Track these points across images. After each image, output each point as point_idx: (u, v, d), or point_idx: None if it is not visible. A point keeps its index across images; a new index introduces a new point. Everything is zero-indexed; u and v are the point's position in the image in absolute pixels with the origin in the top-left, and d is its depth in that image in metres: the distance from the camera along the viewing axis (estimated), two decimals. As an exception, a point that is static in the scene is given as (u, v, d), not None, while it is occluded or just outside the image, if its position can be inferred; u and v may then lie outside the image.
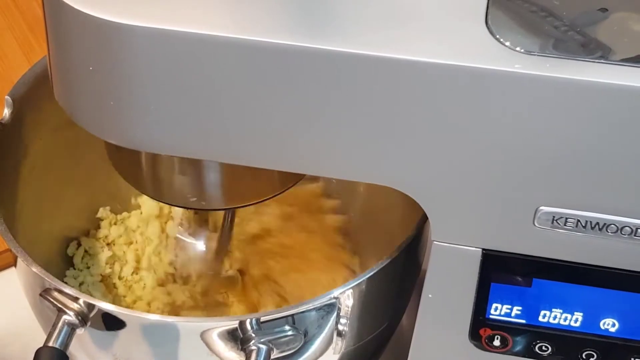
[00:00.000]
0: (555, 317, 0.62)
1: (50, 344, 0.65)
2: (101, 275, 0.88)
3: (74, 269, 0.88)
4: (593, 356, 0.63)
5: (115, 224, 0.91)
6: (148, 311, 0.85)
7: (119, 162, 0.68)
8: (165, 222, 0.90)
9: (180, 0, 0.54)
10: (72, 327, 0.66)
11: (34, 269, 0.68)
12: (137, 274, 0.88)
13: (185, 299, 0.86)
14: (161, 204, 0.89)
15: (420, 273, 0.75)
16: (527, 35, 0.53)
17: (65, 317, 0.66)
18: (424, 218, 0.69)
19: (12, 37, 1.12)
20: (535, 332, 0.63)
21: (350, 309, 0.67)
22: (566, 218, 0.56)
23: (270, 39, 0.52)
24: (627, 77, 0.51)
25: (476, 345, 0.64)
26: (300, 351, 0.68)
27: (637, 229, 0.56)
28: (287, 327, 0.66)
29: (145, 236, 0.90)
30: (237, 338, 0.66)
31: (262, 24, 0.53)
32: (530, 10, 0.55)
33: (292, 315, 0.66)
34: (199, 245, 0.90)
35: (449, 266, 0.61)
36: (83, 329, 0.67)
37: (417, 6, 0.54)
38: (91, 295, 0.83)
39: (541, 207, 0.56)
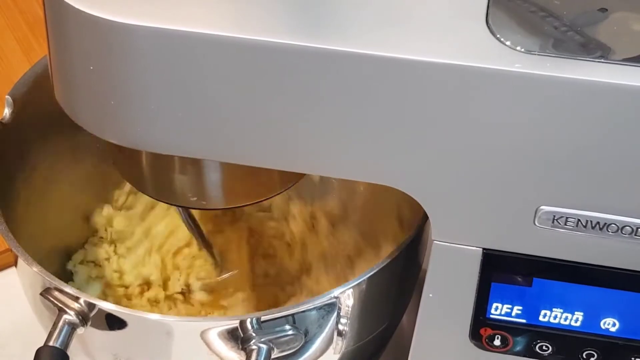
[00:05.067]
0: (555, 317, 0.62)
1: (51, 343, 0.65)
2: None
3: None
4: (593, 356, 0.63)
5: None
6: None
7: (120, 161, 0.68)
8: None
9: (181, -1, 0.54)
10: (72, 327, 0.66)
11: (35, 269, 0.68)
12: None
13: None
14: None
15: (420, 273, 0.75)
16: (528, 35, 0.53)
17: (65, 316, 0.66)
18: (425, 218, 0.69)
19: (12, 37, 1.12)
20: (535, 332, 0.63)
21: (350, 309, 0.67)
22: (567, 217, 0.56)
23: (270, 38, 0.52)
24: (627, 77, 0.51)
25: (476, 345, 0.64)
26: (300, 351, 0.68)
27: (637, 228, 0.56)
28: (287, 327, 0.66)
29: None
30: (238, 338, 0.66)
31: (261, 23, 0.53)
32: (530, 10, 0.55)
33: (293, 314, 0.66)
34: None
35: (449, 266, 0.61)
36: (83, 329, 0.67)
37: (418, 6, 0.54)
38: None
39: (542, 207, 0.56)
